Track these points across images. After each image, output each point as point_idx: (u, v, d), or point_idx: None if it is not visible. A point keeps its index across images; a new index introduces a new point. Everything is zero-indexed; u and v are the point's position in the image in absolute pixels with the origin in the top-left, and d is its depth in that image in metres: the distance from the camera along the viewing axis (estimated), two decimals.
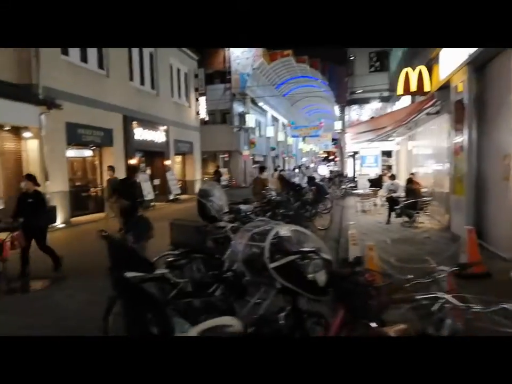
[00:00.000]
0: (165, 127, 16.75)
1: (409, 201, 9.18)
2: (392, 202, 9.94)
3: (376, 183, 13.54)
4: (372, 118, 17.66)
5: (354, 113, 24.50)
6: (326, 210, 10.82)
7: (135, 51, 14.82)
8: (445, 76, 8.03)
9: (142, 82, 15.43)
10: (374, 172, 17.64)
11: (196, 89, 20.41)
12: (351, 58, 23.60)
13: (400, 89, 9.64)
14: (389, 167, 19.44)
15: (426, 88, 9.24)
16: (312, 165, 49.80)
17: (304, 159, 57.45)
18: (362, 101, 23.57)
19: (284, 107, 40.01)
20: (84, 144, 12.30)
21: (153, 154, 16.51)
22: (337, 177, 22.64)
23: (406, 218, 9.61)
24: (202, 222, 4.58)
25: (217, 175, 16.37)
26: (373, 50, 22.69)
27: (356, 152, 23.04)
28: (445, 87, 8.21)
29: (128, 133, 13.85)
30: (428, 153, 11.83)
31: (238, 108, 27.94)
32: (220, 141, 26.60)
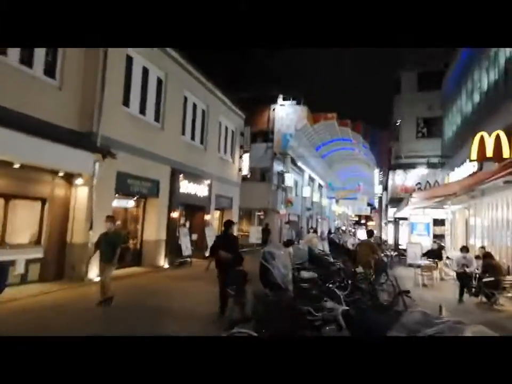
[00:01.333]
0: (209, 181, 16.57)
1: (490, 279, 8.02)
2: (464, 278, 8.79)
3: (435, 254, 12.34)
4: (437, 184, 16.78)
5: (399, 178, 23.79)
6: (383, 281, 9.77)
7: (189, 107, 15.14)
8: None
9: (193, 137, 15.57)
10: (424, 241, 16.39)
11: (241, 147, 20.55)
12: (397, 123, 23.40)
13: (473, 154, 8.92)
14: (440, 236, 18.14)
15: (505, 154, 8.48)
16: (344, 228, 48.12)
17: (336, 222, 56.04)
18: (408, 166, 22.94)
19: (321, 168, 39.89)
20: (131, 194, 12.10)
21: (193, 208, 16.16)
22: (380, 243, 21.37)
23: (483, 299, 8.38)
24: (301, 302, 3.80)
25: (266, 233, 15.49)
26: (421, 116, 22.45)
27: (401, 218, 21.91)
28: None
29: (174, 186, 13.67)
30: (497, 225, 10.74)
31: (277, 166, 27.95)
32: (257, 198, 26.29)
